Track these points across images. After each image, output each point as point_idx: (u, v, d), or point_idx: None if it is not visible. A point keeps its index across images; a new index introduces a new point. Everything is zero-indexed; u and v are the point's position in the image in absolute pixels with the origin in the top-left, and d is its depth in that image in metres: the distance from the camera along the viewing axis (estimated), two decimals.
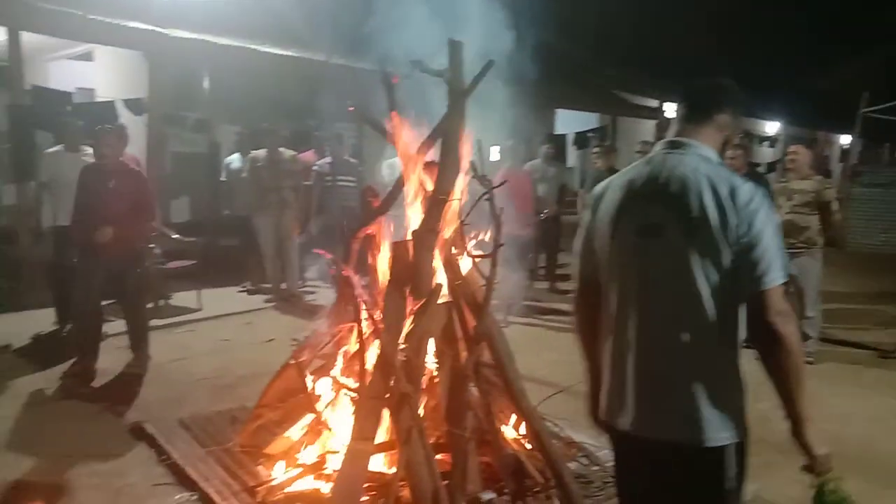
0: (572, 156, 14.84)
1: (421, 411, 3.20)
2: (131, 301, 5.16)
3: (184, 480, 3.43)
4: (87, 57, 9.79)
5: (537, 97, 6.73)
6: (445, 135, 3.34)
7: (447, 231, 3.37)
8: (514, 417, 3.42)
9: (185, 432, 3.93)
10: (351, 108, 3.71)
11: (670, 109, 15.31)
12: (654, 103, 17.51)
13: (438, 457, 3.13)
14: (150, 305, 6.76)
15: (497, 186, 3.29)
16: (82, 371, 4.81)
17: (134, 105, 8.26)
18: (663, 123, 15.53)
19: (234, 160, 8.00)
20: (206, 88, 9.14)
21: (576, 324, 2.19)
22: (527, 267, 7.30)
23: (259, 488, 3.25)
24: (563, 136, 13.13)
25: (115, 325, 6.11)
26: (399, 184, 3.50)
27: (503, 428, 3.41)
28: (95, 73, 9.94)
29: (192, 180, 9.65)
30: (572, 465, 3.48)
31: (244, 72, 8.89)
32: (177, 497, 3.32)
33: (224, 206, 8.93)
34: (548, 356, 5.43)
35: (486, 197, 3.26)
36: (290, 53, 8.94)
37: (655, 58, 18.99)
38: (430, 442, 3.08)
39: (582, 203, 7.63)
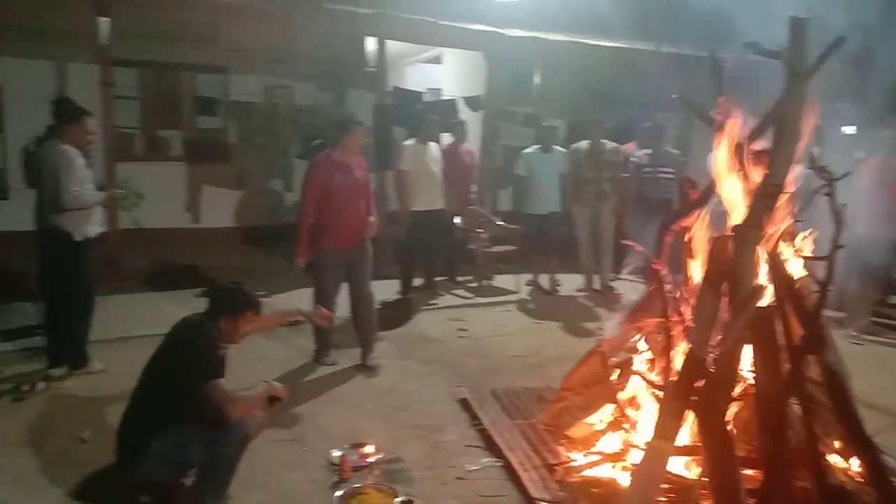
0: None
1: (730, 420, 3.01)
2: (363, 292, 5.14)
3: (491, 446, 3.72)
4: (437, 60, 10.95)
5: None
6: (780, 121, 3.05)
7: (775, 227, 3.09)
8: (841, 444, 3.01)
9: (496, 402, 4.24)
10: (674, 96, 3.58)
11: None
12: None
13: (747, 472, 2.91)
14: (473, 285, 7.43)
15: (838, 179, 2.89)
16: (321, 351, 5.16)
17: (473, 102, 9.05)
18: None
19: (529, 153, 7.61)
20: (536, 84, 9.57)
21: None
22: (885, 276, 6.26)
23: (558, 467, 3.38)
24: None
25: (443, 299, 6.81)
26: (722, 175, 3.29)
27: (828, 454, 3.02)
28: (443, 75, 11.09)
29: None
30: None
31: (572, 66, 9.11)
32: (484, 460, 3.60)
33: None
34: (883, 380, 4.66)
35: (824, 191, 2.90)
36: (618, 45, 8.91)
37: None
38: (739, 455, 2.87)
39: None
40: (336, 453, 3.56)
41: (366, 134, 5.31)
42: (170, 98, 9.11)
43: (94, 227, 4.66)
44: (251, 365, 4.61)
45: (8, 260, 6.58)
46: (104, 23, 6.76)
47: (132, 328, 5.32)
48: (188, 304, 4.75)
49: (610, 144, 7.29)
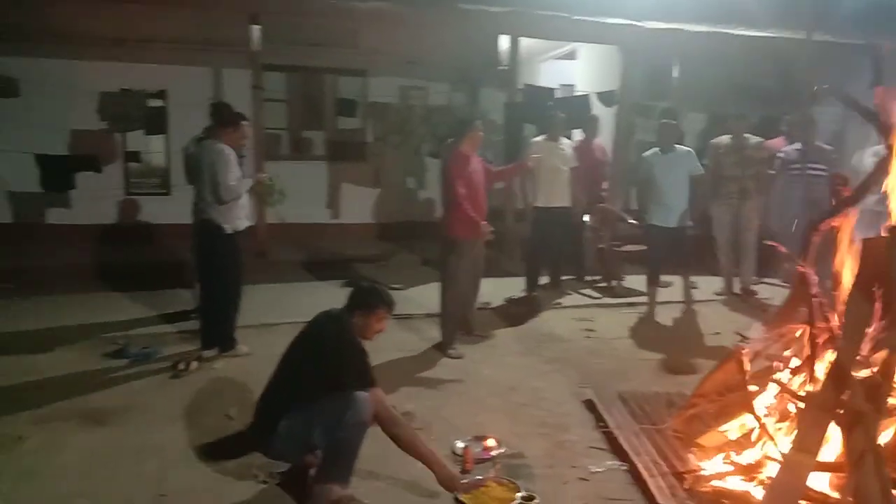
0: None
1: (883, 438, 2.77)
2: (479, 274, 5.45)
3: (616, 449, 3.64)
4: (570, 56, 10.82)
5: None
6: None
7: None
8: None
9: (623, 405, 4.14)
10: (821, 87, 3.33)
11: None
12: None
13: None
14: (602, 285, 7.27)
15: None
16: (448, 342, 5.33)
17: (606, 97, 8.85)
18: None
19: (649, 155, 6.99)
20: (675, 77, 9.21)
21: None
22: None
23: (687, 475, 3.25)
24: None
25: (570, 298, 6.74)
26: (879, 171, 3.03)
27: None
28: (576, 71, 10.93)
29: None
30: None
31: (714, 58, 8.68)
32: (608, 463, 3.54)
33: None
34: None
35: None
36: (765, 34, 8.37)
37: None
38: (892, 476, 2.64)
39: None
40: (459, 444, 3.63)
41: (485, 131, 5.49)
42: (314, 100, 9.63)
43: (243, 220, 5.05)
44: (383, 354, 4.81)
45: (170, 250, 7.27)
46: (256, 31, 7.27)
47: (277, 316, 5.70)
48: (329, 294, 5.03)
49: (754, 139, 6.85)
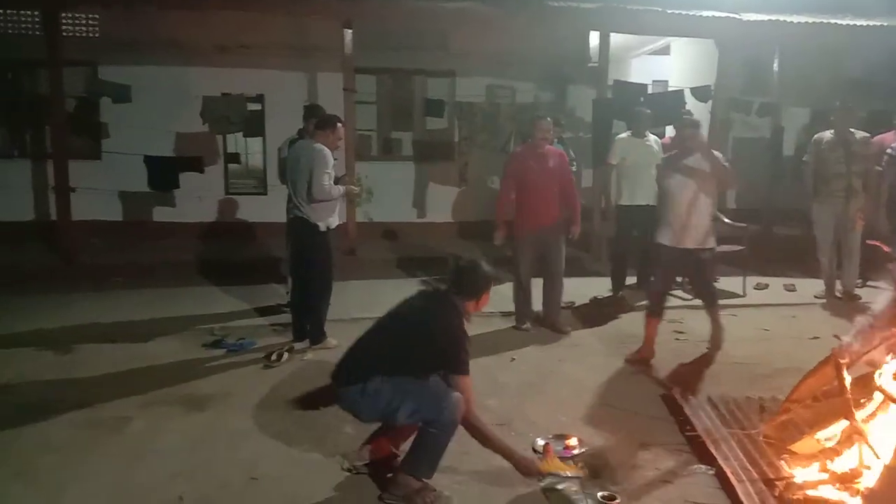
0: None
1: None
2: (553, 270, 5.75)
3: (703, 454, 3.52)
4: (664, 51, 10.53)
5: None
6: None
7: None
8: None
9: (712, 409, 4.00)
10: None
11: None
12: None
13: None
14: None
15: None
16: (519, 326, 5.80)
17: (700, 92, 8.56)
18: None
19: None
20: (775, 71, 8.80)
21: None
22: None
23: (779, 482, 3.12)
24: None
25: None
26: None
27: None
28: (670, 66, 10.64)
29: (752, 166, 9.48)
30: None
31: (817, 50, 8.24)
32: (693, 466, 3.44)
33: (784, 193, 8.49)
34: None
35: None
36: (873, 23, 7.87)
37: None
38: None
39: None
40: (540, 441, 3.63)
41: (547, 128, 5.66)
42: (403, 102, 9.82)
43: (334, 218, 5.24)
44: None
45: (266, 247, 7.60)
46: (348, 35, 7.49)
47: (366, 310, 5.81)
48: (415, 290, 5.13)
49: (860, 134, 6.46)
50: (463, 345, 3.18)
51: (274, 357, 4.94)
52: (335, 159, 5.18)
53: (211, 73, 8.67)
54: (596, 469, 3.41)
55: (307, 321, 5.23)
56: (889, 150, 6.52)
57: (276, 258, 6.71)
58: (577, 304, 6.41)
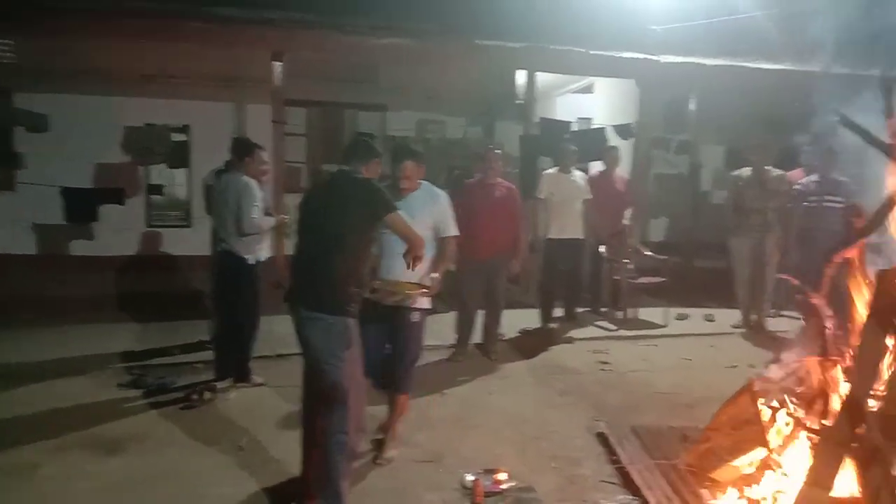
0: None
1: None
2: (494, 299, 5.89)
3: (628, 484, 3.58)
4: (588, 90, 10.89)
5: None
6: None
7: None
8: None
9: (636, 439, 4.07)
10: (837, 119, 3.34)
11: None
12: None
13: None
14: (618, 317, 7.21)
15: None
16: (459, 353, 5.85)
17: (623, 130, 8.87)
18: None
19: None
20: (692, 110, 9.22)
21: None
22: None
23: None
24: None
25: (584, 331, 6.70)
26: (890, 202, 3.01)
27: None
28: (593, 104, 11.00)
29: (671, 201, 9.86)
30: None
31: (731, 90, 8.69)
32: (619, 497, 3.48)
33: (702, 227, 8.85)
34: None
35: None
36: (781, 67, 8.38)
37: None
38: None
39: None
40: (469, 477, 3.59)
41: (496, 160, 5.91)
42: (333, 134, 9.79)
43: (263, 251, 5.12)
44: None
45: (190, 281, 7.36)
46: (278, 67, 7.43)
47: (292, 346, 5.69)
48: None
49: (776, 171, 6.83)
50: (377, 187, 3.27)
51: (195, 396, 4.75)
52: (262, 189, 5.10)
53: (134, 103, 8.44)
54: (523, 503, 3.40)
55: (232, 358, 5.07)
56: (797, 186, 6.89)
57: (201, 292, 6.50)
58: (506, 336, 6.45)
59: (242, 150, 5.06)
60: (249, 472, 3.69)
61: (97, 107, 8.33)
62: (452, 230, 4.01)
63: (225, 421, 4.44)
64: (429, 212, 3.89)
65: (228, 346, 5.09)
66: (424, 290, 3.72)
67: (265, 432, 4.23)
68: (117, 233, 8.42)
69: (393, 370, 3.88)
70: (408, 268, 3.39)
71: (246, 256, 4.94)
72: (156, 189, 9.04)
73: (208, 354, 5.34)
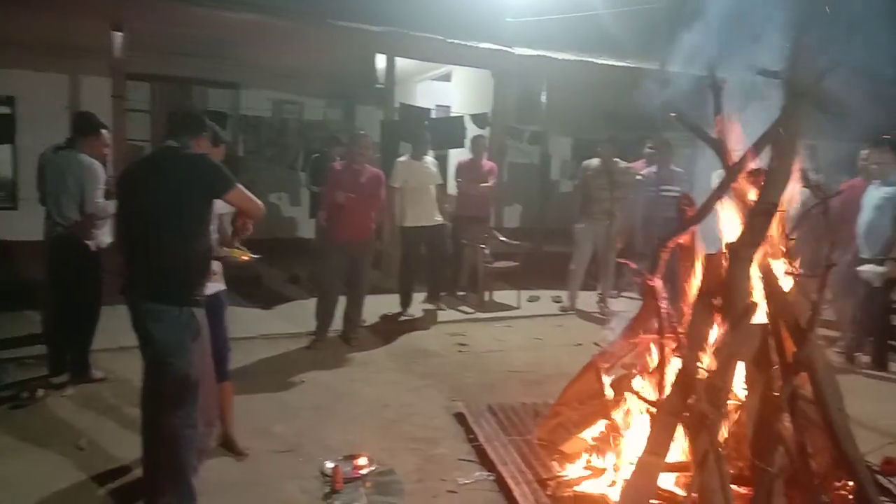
0: None
1: (722, 437, 3.00)
2: (358, 283, 5.87)
3: (485, 461, 3.72)
4: (446, 78, 11.07)
5: None
6: (777, 140, 3.08)
7: (769, 245, 3.10)
8: (833, 462, 2.99)
9: (492, 417, 4.23)
10: (672, 115, 3.62)
11: None
12: None
13: (739, 489, 2.90)
14: (475, 300, 7.43)
15: (832, 197, 2.92)
16: (319, 339, 5.74)
17: (479, 119, 9.12)
18: None
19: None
20: (543, 102, 9.63)
21: None
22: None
23: (550, 482, 3.38)
24: None
25: (444, 314, 6.83)
26: (718, 192, 3.31)
27: (819, 472, 3.01)
28: (451, 92, 11.20)
29: (524, 189, 10.27)
30: None
31: (579, 84, 9.18)
32: (476, 474, 3.60)
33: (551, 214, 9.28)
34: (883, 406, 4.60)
35: (818, 209, 2.92)
36: (625, 64, 8.97)
37: None
38: (730, 472, 2.87)
39: None
40: (329, 464, 3.57)
41: (367, 146, 5.87)
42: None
43: (105, 237, 4.73)
44: (251, 376, 4.68)
45: (17, 269, 6.67)
46: (118, 37, 6.89)
47: (135, 338, 5.36)
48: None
49: (622, 164, 7.31)
50: (212, 162, 3.10)
51: (26, 394, 4.33)
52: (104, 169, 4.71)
53: None
54: (383, 486, 3.44)
55: (67, 352, 4.67)
56: (638, 177, 7.41)
57: (31, 281, 5.90)
58: (367, 323, 6.44)
59: (86, 127, 4.64)
60: (90, 473, 3.44)
61: None
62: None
63: (61, 420, 4.10)
64: None
65: (65, 339, 4.68)
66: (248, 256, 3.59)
67: (107, 430, 3.95)
68: None
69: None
70: (236, 234, 3.27)
71: (87, 242, 4.56)
72: None
73: (41, 349, 4.88)
